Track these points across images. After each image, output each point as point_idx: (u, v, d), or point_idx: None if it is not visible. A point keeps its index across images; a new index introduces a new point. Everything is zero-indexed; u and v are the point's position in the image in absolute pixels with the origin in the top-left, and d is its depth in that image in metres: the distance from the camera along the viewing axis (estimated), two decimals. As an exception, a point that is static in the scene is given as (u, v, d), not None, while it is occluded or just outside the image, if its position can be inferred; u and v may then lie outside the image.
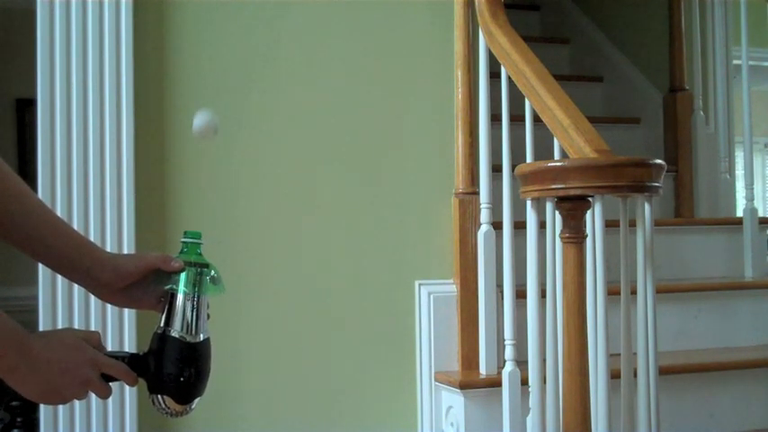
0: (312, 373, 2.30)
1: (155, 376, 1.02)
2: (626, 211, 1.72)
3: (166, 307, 1.05)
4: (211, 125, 1.14)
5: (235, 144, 2.25)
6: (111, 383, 1.01)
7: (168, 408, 1.03)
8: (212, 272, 1.07)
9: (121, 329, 2.03)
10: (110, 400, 2.02)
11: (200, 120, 1.14)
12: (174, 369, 1.02)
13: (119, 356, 1.02)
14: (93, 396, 1.03)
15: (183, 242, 1.09)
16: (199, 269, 1.06)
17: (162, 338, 1.03)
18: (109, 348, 1.09)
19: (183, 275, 1.05)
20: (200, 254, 1.08)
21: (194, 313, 1.04)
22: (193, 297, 1.05)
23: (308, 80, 2.32)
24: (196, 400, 1.05)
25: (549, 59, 2.53)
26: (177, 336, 1.03)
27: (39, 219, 1.07)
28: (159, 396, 1.03)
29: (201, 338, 1.04)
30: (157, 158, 2.18)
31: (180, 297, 1.04)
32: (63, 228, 1.10)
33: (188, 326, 1.03)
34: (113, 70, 2.08)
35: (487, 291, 2.27)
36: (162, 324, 1.04)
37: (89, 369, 0.97)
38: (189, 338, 1.03)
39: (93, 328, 2.02)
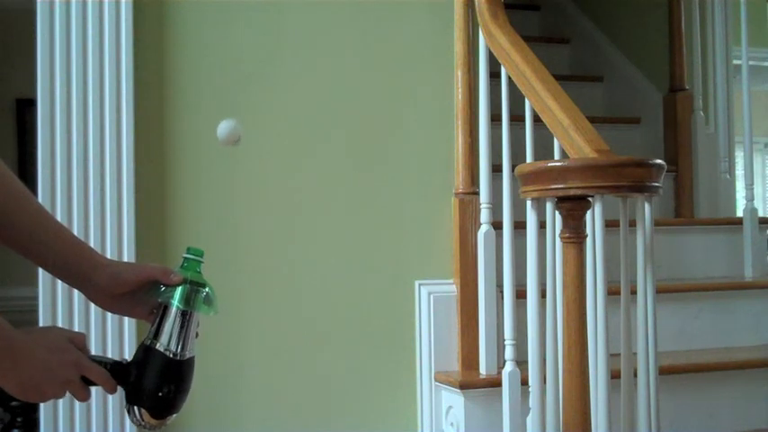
0: (312, 373, 2.30)
1: (134, 387, 1.02)
2: (626, 211, 1.72)
3: (157, 319, 1.04)
4: (235, 132, 1.17)
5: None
6: (95, 387, 1.01)
7: (143, 420, 1.03)
8: (207, 291, 1.07)
9: (121, 331, 2.03)
10: (110, 400, 2.02)
11: (223, 128, 1.16)
12: (154, 383, 1.02)
13: (102, 362, 1.01)
14: (94, 396, 1.03)
15: (185, 257, 1.08)
16: (195, 287, 1.06)
17: (147, 351, 1.03)
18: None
19: (178, 290, 1.05)
20: (200, 272, 1.08)
21: (184, 330, 1.04)
22: (185, 313, 1.04)
23: (308, 80, 2.32)
24: (172, 417, 1.05)
25: (549, 59, 2.53)
26: (162, 350, 1.02)
27: (36, 221, 1.07)
28: (136, 407, 1.02)
29: (186, 356, 1.04)
30: (157, 158, 2.18)
31: (172, 311, 1.04)
32: (61, 231, 1.10)
33: (175, 342, 1.03)
34: (113, 70, 2.08)
35: (487, 291, 2.27)
36: (150, 336, 1.04)
37: (71, 370, 0.97)
38: (174, 355, 1.03)
39: (93, 330, 2.02)
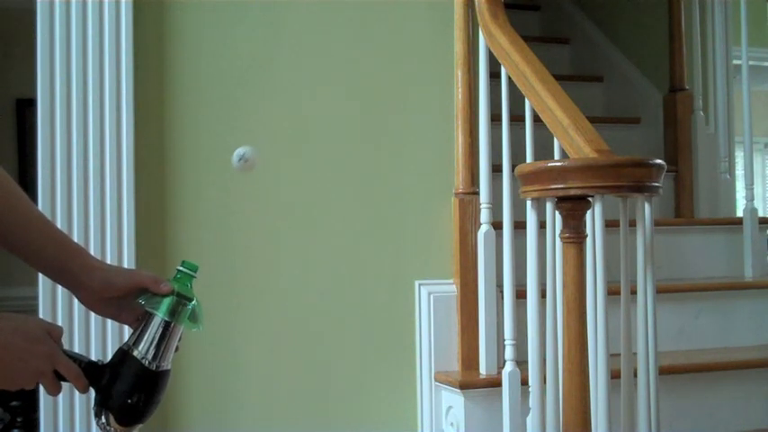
0: (312, 373, 2.30)
1: (105, 390, 1.02)
2: (626, 211, 1.72)
3: (140, 327, 1.04)
4: (248, 158, 1.19)
5: (234, 142, 2.23)
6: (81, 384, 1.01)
7: (109, 425, 1.02)
8: (194, 306, 1.07)
9: (121, 333, 2.03)
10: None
11: (237, 155, 1.19)
12: (124, 389, 1.02)
13: (77, 359, 1.01)
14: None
15: (179, 270, 1.08)
16: (183, 300, 1.06)
17: (124, 355, 1.03)
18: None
19: (166, 301, 1.05)
20: (190, 287, 1.08)
21: (164, 341, 1.04)
22: (168, 325, 1.04)
23: (308, 80, 2.32)
24: (137, 426, 1.04)
25: (549, 59, 2.53)
26: (139, 358, 1.02)
27: (28, 220, 1.08)
28: (103, 410, 1.02)
29: (162, 368, 1.04)
30: (157, 158, 2.18)
31: (156, 321, 1.04)
32: (52, 231, 1.10)
33: (153, 352, 1.03)
34: (113, 70, 2.08)
35: (487, 291, 2.27)
36: (130, 342, 1.04)
37: (44, 363, 0.97)
38: (149, 364, 1.02)
39: (93, 330, 2.02)
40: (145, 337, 1.03)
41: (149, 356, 1.02)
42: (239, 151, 1.20)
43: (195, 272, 1.09)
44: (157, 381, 1.03)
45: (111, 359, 1.04)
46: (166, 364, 1.04)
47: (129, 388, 1.01)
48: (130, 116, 2.09)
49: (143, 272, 1.09)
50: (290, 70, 2.31)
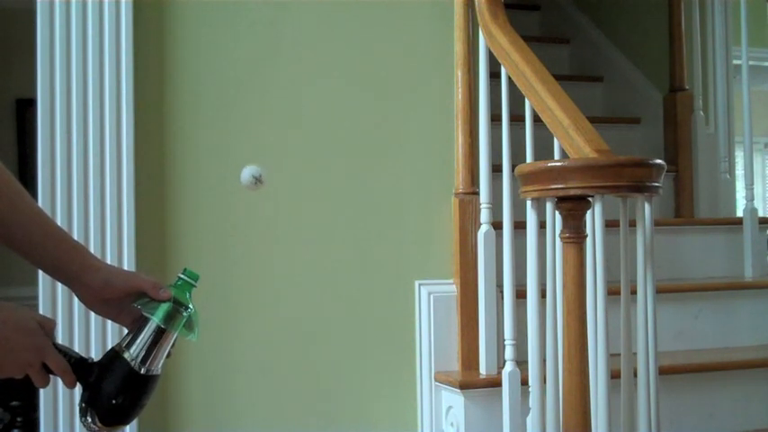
0: (312, 373, 2.30)
1: (92, 388, 1.02)
2: (626, 211, 1.72)
3: (135, 330, 1.05)
4: (253, 176, 1.21)
5: (234, 142, 2.25)
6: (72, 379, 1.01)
7: (94, 424, 1.03)
8: (190, 315, 1.07)
9: (121, 332, 2.03)
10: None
11: (245, 174, 1.21)
12: (110, 389, 1.02)
13: (68, 354, 1.02)
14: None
15: (179, 277, 1.09)
16: (180, 307, 1.07)
17: (114, 356, 1.04)
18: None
19: (163, 307, 1.06)
20: (189, 296, 1.08)
21: (156, 346, 1.04)
22: (162, 331, 1.05)
23: (308, 81, 2.32)
24: (121, 427, 1.05)
25: (549, 59, 2.53)
26: (129, 360, 1.03)
27: (29, 219, 1.08)
28: (89, 408, 1.03)
29: (151, 373, 1.04)
30: (157, 158, 2.18)
31: (150, 325, 1.05)
32: (53, 230, 1.10)
33: (143, 356, 1.03)
34: (113, 70, 2.08)
35: (487, 291, 2.27)
36: (122, 343, 1.04)
37: (33, 355, 0.97)
38: (138, 367, 1.03)
39: (93, 330, 2.02)
40: (137, 341, 1.04)
41: (139, 360, 1.03)
42: (250, 171, 1.21)
43: (196, 281, 1.09)
44: (144, 384, 1.04)
45: (102, 358, 1.04)
46: (156, 369, 1.05)
47: (115, 389, 1.02)
48: (130, 116, 2.09)
49: (143, 276, 1.09)
50: (290, 70, 2.31)
